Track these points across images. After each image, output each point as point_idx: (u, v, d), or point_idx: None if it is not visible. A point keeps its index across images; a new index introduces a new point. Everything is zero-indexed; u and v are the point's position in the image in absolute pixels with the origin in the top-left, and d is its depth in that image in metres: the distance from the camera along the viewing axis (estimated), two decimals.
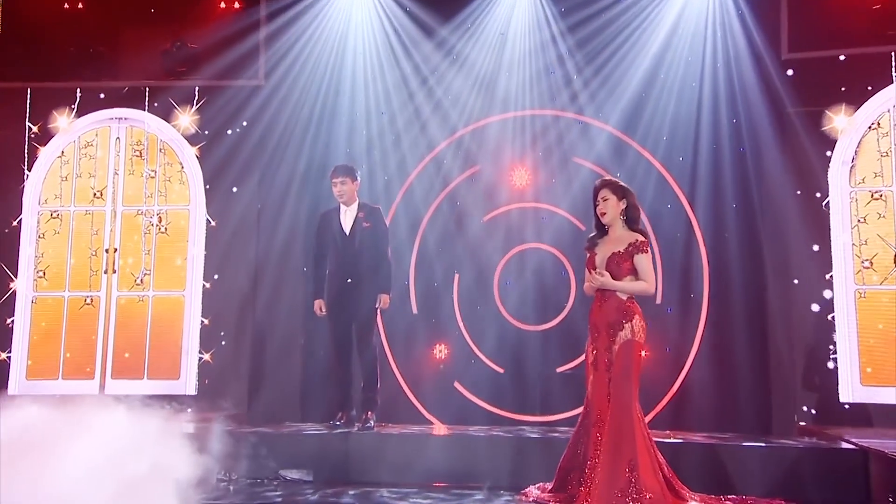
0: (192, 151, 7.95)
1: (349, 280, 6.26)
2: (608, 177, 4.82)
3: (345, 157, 7.79)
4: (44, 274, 7.99)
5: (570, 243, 7.46)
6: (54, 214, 8.06)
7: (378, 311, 6.37)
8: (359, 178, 6.51)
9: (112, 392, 7.53)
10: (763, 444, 5.99)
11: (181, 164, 8.03)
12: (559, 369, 7.38)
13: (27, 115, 8.00)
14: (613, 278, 4.47)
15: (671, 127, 7.64)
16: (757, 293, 7.42)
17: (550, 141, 7.68)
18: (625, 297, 4.44)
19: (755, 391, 7.27)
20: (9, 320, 7.78)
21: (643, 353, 4.44)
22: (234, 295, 7.73)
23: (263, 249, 7.77)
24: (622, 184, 4.65)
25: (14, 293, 7.89)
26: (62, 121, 8.06)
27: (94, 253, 7.96)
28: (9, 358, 7.70)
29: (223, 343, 7.74)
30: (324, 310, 6.32)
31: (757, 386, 7.30)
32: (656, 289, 5.25)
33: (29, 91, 8.04)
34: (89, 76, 8.02)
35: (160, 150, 8.03)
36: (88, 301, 7.88)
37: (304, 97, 7.96)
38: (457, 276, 7.62)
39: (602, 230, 4.67)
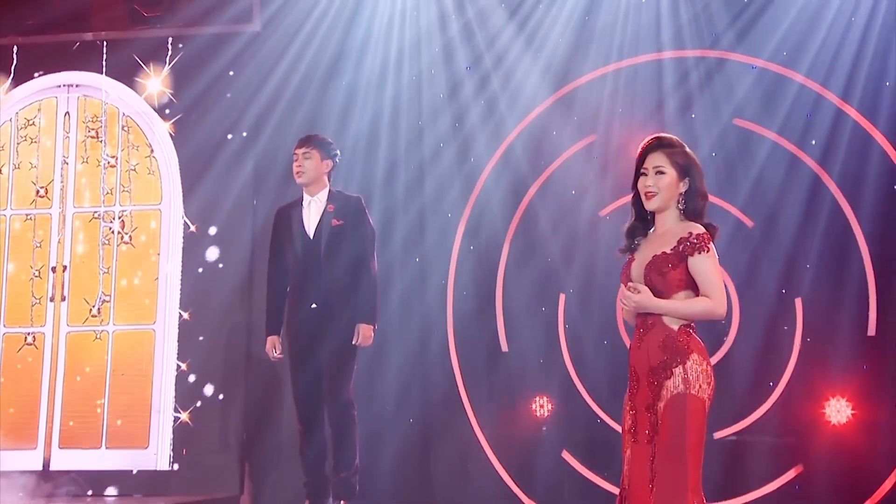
0: (165, 128, 6.90)
1: (313, 305, 5.42)
2: (666, 134, 3.91)
3: (390, 138, 6.94)
4: None
5: (732, 246, 6.38)
6: None
7: (356, 349, 5.49)
8: (334, 156, 5.58)
9: (60, 467, 6.59)
10: None
11: (150, 146, 6.96)
12: (718, 434, 6.26)
13: None
14: (657, 294, 3.66)
15: None
16: None
17: (696, 95, 6.73)
18: (676, 327, 3.65)
19: None
20: None
21: (706, 410, 3.63)
22: (222, 329, 6.83)
23: (261, 264, 6.54)
24: (688, 150, 3.78)
25: None
26: None
27: (37, 273, 6.92)
28: None
29: (207, 397, 6.78)
30: (278, 350, 5.49)
31: None
32: (728, 307, 4.08)
33: None
34: (29, 28, 7.01)
35: (122, 127, 7.00)
36: (30, 340, 6.84)
37: (322, 48, 6.93)
38: (562, 297, 6.75)
39: (645, 220, 3.79)
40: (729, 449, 6.19)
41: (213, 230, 6.79)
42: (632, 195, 3.81)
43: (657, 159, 3.75)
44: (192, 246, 6.78)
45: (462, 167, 6.86)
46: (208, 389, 6.70)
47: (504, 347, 6.82)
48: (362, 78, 6.92)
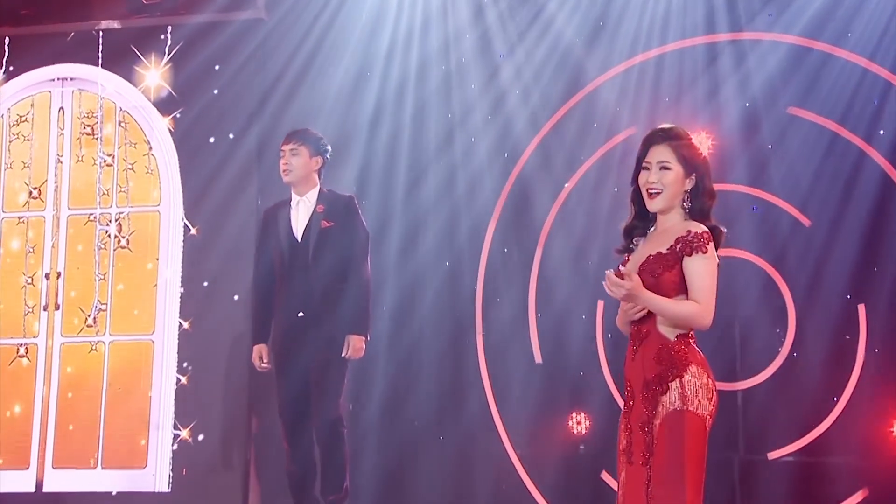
0: (165, 123, 6.71)
1: (300, 313, 5.38)
2: (670, 125, 3.74)
3: (417, 136, 6.80)
4: None
5: (788, 248, 6.39)
6: None
7: (346, 362, 5.42)
8: (325, 152, 5.51)
9: (53, 488, 6.42)
10: None
11: (148, 142, 6.76)
12: (772, 454, 6.20)
13: None
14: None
15: None
16: None
17: (747, 81, 6.59)
18: (672, 337, 3.51)
19: None
20: None
21: (707, 429, 3.48)
22: (224, 339, 6.61)
23: None
24: (695, 143, 3.66)
25: None
26: None
27: (29, 280, 6.74)
28: None
29: (208, 413, 6.57)
30: (265, 359, 5.44)
31: None
32: (714, 315, 3.86)
33: None
34: (22, 19, 6.84)
35: (119, 123, 6.82)
36: (22, 351, 6.64)
37: (335, 35, 6.75)
38: (601, 304, 6.60)
39: (646, 219, 3.67)
40: (785, 471, 6.06)
41: (215, 233, 6.59)
42: (631, 190, 3.67)
43: (661, 153, 3.61)
44: (193, 250, 6.58)
45: (493, 164, 6.80)
46: (210, 404, 6.49)
47: (538, 359, 6.71)
48: (389, 73, 6.75)
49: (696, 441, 3.52)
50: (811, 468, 5.92)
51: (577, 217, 6.78)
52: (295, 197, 5.44)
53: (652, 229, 3.67)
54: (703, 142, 6.58)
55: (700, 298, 3.49)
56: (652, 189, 3.61)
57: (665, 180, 3.59)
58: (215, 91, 6.60)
